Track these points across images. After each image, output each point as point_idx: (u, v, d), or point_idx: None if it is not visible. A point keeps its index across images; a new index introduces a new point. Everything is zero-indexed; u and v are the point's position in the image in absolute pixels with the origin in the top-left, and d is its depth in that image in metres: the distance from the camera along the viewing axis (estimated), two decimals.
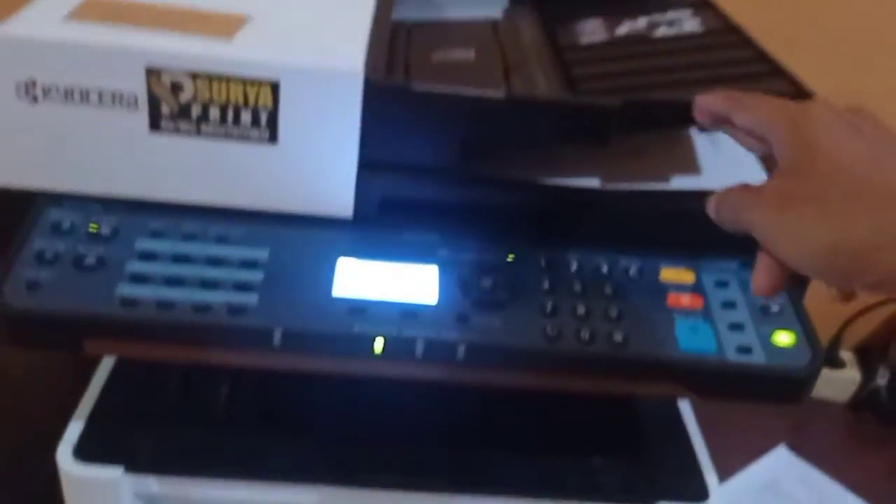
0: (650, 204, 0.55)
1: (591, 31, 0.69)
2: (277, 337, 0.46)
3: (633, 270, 0.53)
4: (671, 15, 0.70)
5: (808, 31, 0.92)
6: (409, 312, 0.48)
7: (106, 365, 0.59)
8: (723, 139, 0.60)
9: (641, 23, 0.69)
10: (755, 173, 0.58)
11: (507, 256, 0.52)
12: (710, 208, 0.43)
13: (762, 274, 0.40)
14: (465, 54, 0.64)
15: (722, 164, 0.59)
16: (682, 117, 0.52)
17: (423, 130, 0.53)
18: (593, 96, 0.55)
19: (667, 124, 0.54)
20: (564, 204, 0.55)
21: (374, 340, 0.47)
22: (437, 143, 0.53)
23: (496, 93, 0.51)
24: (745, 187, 0.41)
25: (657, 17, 0.70)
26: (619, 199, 0.55)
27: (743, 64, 0.59)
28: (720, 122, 0.45)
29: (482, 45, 0.66)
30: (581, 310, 0.49)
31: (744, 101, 0.43)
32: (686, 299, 0.52)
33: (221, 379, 0.59)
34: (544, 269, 0.51)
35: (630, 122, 0.52)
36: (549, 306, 0.49)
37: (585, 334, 0.48)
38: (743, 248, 0.45)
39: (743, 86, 0.56)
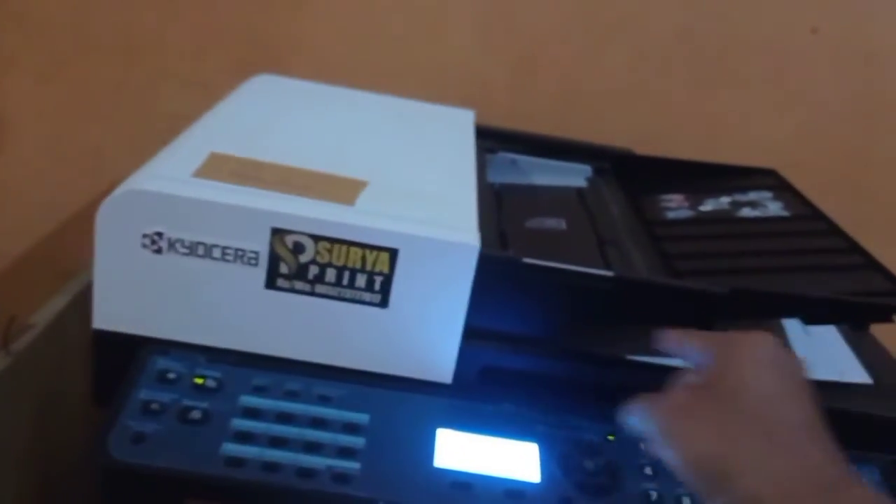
0: None
1: (675, 206, 0.70)
2: None
3: None
4: (753, 196, 0.72)
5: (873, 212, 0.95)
6: (513, 492, 0.47)
7: None
8: (814, 327, 0.60)
9: (724, 202, 0.71)
10: (850, 363, 0.59)
11: (607, 436, 0.51)
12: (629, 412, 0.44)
13: None
14: (557, 223, 0.65)
15: (816, 352, 0.59)
16: (789, 309, 0.53)
17: (529, 303, 0.53)
18: (694, 278, 0.56)
19: (774, 315, 0.54)
20: (664, 383, 0.54)
21: None
22: (541, 316, 0.54)
23: (605, 272, 0.52)
24: (652, 395, 0.43)
25: (738, 196, 0.72)
26: None
27: (837, 254, 0.60)
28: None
29: (572, 214, 0.67)
30: (686, 501, 0.48)
31: (695, 339, 0.46)
32: None
33: None
34: (646, 451, 0.51)
35: (735, 310, 0.52)
36: (654, 495, 0.48)
37: None
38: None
39: (839, 277, 0.57)
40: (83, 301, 0.79)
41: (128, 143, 0.90)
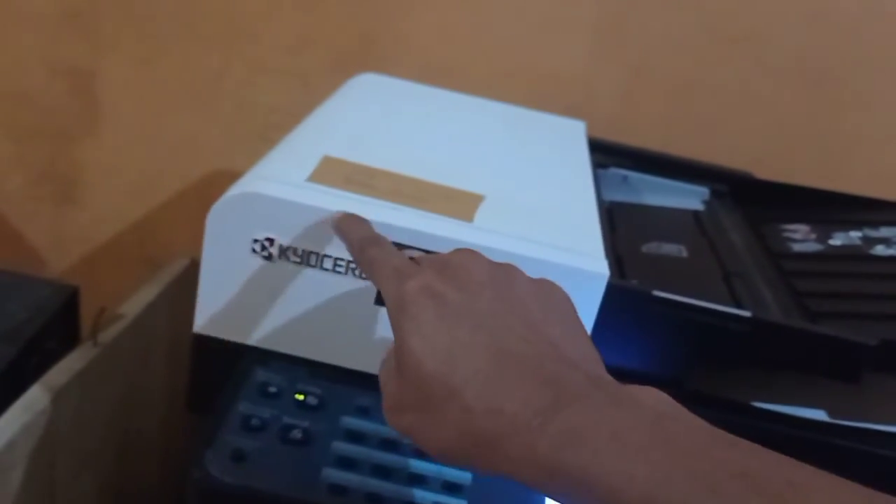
0: (886, 447, 0.50)
1: (801, 237, 0.66)
2: None
3: None
4: (885, 232, 0.66)
5: None
6: None
7: None
8: None
9: (854, 237, 0.66)
10: None
11: None
12: None
13: None
14: (677, 250, 0.61)
15: None
16: None
17: (653, 338, 0.49)
18: (832, 321, 0.51)
19: None
20: (792, 435, 0.50)
21: None
22: (664, 354, 0.50)
23: (741, 311, 0.48)
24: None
25: (870, 231, 0.66)
26: (851, 437, 0.50)
27: None
28: None
29: (691, 240, 0.63)
30: None
31: (367, 254, 0.40)
32: None
33: None
34: None
35: (883, 363, 0.48)
36: None
37: None
38: None
39: None
40: (172, 293, 0.78)
41: (224, 133, 0.88)
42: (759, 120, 0.83)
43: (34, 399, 0.58)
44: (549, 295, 0.38)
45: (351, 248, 0.42)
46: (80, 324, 0.72)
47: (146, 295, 0.74)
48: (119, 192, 0.92)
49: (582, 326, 0.37)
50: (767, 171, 0.76)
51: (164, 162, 0.90)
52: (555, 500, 0.30)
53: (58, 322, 0.68)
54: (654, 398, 0.32)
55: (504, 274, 0.38)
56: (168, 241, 0.88)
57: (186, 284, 0.79)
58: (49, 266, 0.95)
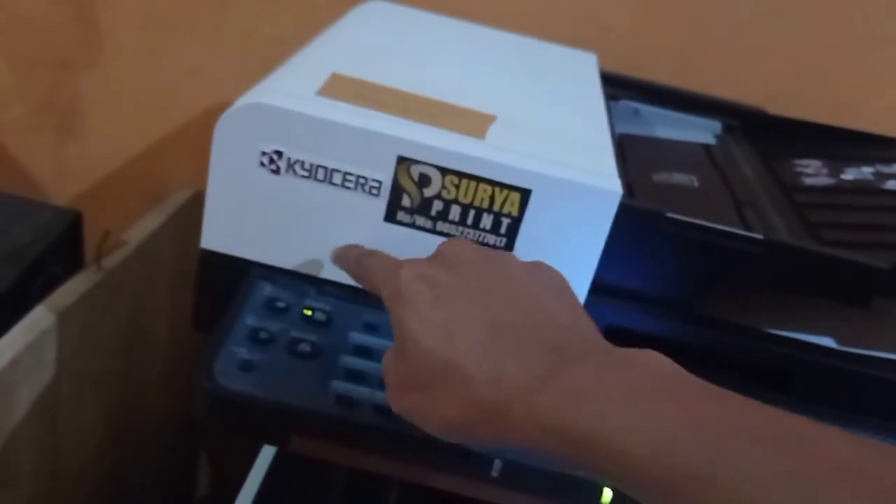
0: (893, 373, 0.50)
1: (814, 172, 0.65)
2: (497, 466, 0.42)
3: None
4: None
5: None
6: None
7: (266, 455, 0.56)
8: None
9: (867, 172, 0.65)
10: None
11: None
12: None
13: None
14: (687, 180, 0.60)
15: None
16: None
17: (664, 261, 0.49)
18: (843, 249, 0.51)
19: None
20: (801, 361, 0.50)
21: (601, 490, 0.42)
22: (675, 277, 0.49)
23: (754, 234, 0.48)
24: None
25: (882, 167, 0.66)
26: (859, 364, 0.50)
27: None
28: None
29: (702, 171, 0.62)
30: None
31: (363, 264, 0.42)
32: None
33: (387, 487, 0.55)
34: None
35: (894, 288, 0.47)
36: None
37: None
38: None
39: None
40: (176, 223, 0.77)
41: (226, 64, 0.87)
42: (773, 56, 0.82)
43: (38, 319, 0.58)
44: (544, 274, 0.38)
45: (349, 267, 0.43)
46: (84, 250, 0.72)
47: (150, 223, 0.74)
48: (121, 124, 0.91)
49: (577, 301, 0.38)
50: (780, 107, 0.75)
51: (166, 93, 0.89)
52: (562, 467, 0.31)
53: (61, 246, 0.67)
54: (653, 359, 0.32)
55: (496, 256, 0.38)
56: (170, 174, 0.87)
57: (190, 215, 0.78)
58: (51, 198, 0.94)
